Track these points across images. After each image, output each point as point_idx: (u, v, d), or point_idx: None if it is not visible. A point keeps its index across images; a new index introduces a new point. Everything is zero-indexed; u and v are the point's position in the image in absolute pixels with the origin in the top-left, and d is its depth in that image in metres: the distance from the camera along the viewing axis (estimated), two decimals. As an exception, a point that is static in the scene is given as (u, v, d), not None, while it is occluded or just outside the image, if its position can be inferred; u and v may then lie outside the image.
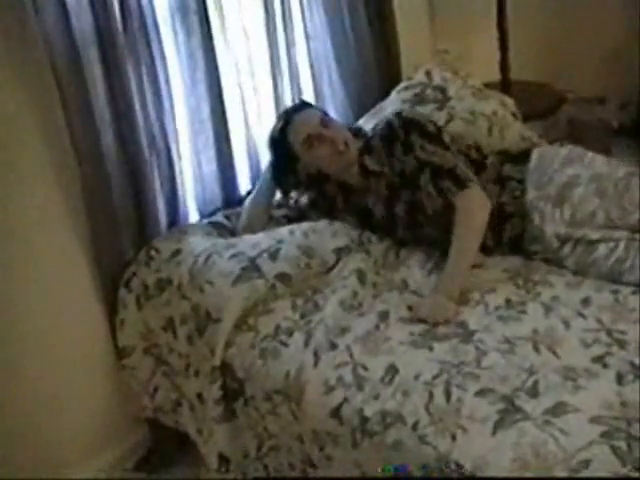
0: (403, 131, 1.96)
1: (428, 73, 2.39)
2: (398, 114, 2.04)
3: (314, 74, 2.48)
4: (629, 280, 1.75)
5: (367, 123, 2.35)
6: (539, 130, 2.57)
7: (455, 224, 1.83)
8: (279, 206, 2.20)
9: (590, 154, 2.01)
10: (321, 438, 1.59)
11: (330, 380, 1.60)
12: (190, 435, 1.97)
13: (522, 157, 2.05)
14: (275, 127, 2.09)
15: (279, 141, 2.07)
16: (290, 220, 2.12)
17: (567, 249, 1.85)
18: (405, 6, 2.73)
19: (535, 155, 2.03)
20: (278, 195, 2.18)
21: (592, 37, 3.23)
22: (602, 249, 1.80)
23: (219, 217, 2.17)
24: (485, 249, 1.89)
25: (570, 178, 1.90)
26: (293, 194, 2.19)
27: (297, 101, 2.36)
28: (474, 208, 1.85)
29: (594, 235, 1.81)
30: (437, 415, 1.45)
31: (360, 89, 2.58)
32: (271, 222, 2.11)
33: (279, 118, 2.12)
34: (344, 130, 2.07)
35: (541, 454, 1.33)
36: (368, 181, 2.03)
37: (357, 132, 2.14)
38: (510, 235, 1.92)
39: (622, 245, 1.78)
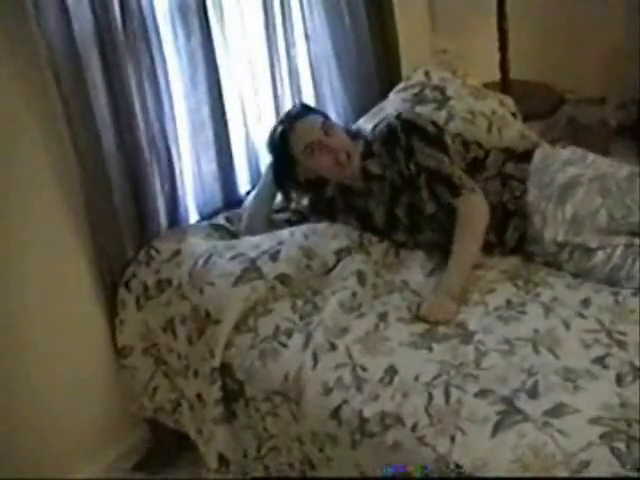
0: (404, 135, 1.96)
1: (427, 73, 2.39)
2: (398, 116, 2.03)
3: (314, 74, 2.48)
4: (627, 287, 1.74)
5: (367, 123, 2.35)
6: (539, 130, 2.57)
7: (456, 227, 1.85)
8: (281, 210, 2.19)
9: (592, 155, 2.01)
10: (320, 439, 1.59)
11: (329, 381, 1.60)
12: (190, 435, 1.97)
13: (524, 156, 2.05)
14: (276, 131, 2.08)
15: (279, 145, 2.06)
16: (292, 224, 2.11)
17: (565, 255, 1.85)
18: (405, 6, 2.73)
19: (537, 155, 2.03)
20: (279, 199, 2.17)
21: (592, 37, 3.23)
22: (600, 255, 1.80)
23: (220, 219, 2.17)
24: (488, 247, 1.89)
25: (572, 178, 1.90)
26: (294, 196, 2.18)
27: (297, 102, 2.35)
28: (474, 213, 1.87)
29: (592, 243, 1.81)
30: (436, 416, 1.45)
31: (360, 89, 2.58)
32: (272, 226, 2.09)
33: (280, 122, 2.10)
34: (345, 137, 2.05)
35: (541, 455, 1.33)
36: (369, 184, 2.03)
37: (356, 134, 2.13)
38: (513, 233, 1.92)
39: (619, 251, 1.78)
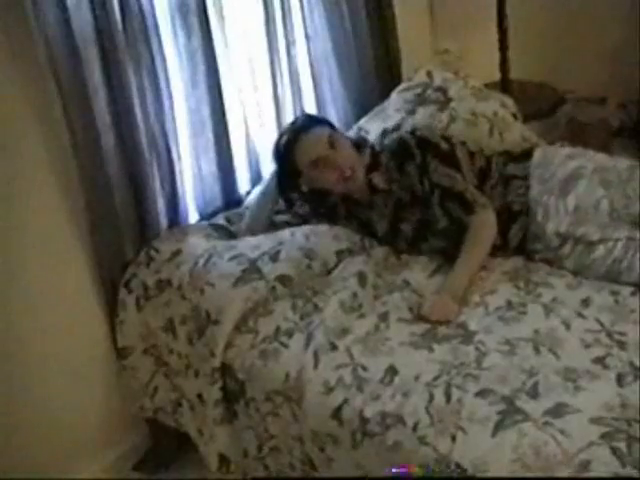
0: (419, 152, 1.96)
1: (429, 74, 2.39)
2: (413, 132, 2.03)
3: (314, 74, 2.48)
4: (627, 280, 1.75)
5: (369, 124, 2.35)
6: (539, 130, 2.57)
7: (466, 238, 1.87)
8: (281, 212, 2.18)
9: (592, 152, 2.04)
10: (321, 439, 1.59)
11: (330, 381, 1.60)
12: (190, 435, 1.97)
13: (524, 156, 2.07)
14: (281, 141, 2.06)
15: (284, 157, 2.05)
16: (292, 226, 2.09)
17: (567, 249, 1.85)
18: (405, 6, 2.74)
19: (538, 153, 2.06)
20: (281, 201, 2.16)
21: (592, 37, 3.22)
22: (601, 249, 1.81)
23: (220, 219, 2.17)
24: (492, 249, 1.89)
25: (574, 170, 1.93)
26: (296, 203, 2.17)
27: (302, 112, 2.35)
28: (486, 227, 1.89)
29: (594, 236, 1.82)
30: (437, 416, 1.45)
31: (360, 89, 2.58)
32: (273, 228, 2.08)
33: (286, 132, 2.07)
34: (351, 151, 2.03)
35: (541, 455, 1.33)
36: (374, 197, 2.03)
37: (360, 144, 2.11)
38: (517, 232, 1.93)
39: (620, 245, 1.79)
